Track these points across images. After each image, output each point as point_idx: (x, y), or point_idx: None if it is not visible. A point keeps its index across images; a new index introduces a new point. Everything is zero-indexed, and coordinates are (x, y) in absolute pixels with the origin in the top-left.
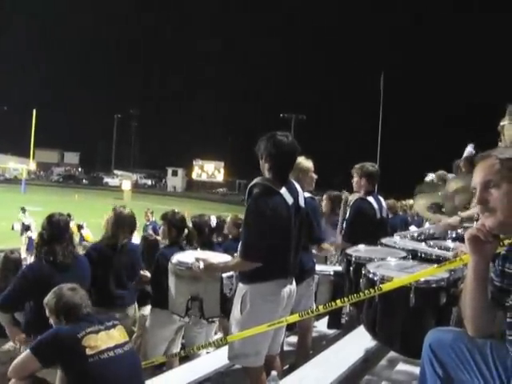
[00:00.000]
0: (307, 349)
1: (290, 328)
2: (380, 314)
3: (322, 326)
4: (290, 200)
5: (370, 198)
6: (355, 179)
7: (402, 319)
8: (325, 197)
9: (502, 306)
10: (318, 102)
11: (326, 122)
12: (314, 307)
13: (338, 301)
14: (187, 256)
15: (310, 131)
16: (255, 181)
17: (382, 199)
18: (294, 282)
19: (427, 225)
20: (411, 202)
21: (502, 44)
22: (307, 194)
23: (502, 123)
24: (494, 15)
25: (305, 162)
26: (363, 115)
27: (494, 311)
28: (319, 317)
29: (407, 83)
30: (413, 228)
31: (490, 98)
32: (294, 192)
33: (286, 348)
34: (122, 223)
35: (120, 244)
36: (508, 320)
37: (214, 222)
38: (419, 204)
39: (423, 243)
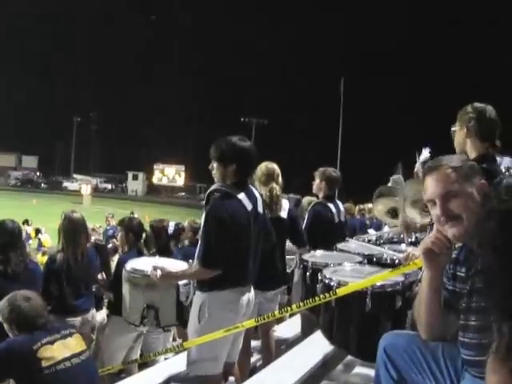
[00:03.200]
0: (270, 352)
1: (252, 332)
2: (336, 318)
3: (282, 330)
4: (248, 206)
5: (329, 203)
6: (316, 182)
7: (358, 323)
8: (289, 198)
9: (454, 310)
10: (280, 107)
11: (288, 127)
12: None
13: (294, 305)
14: (142, 263)
15: (272, 136)
16: (214, 187)
17: (340, 204)
18: (252, 290)
19: (386, 228)
20: (370, 205)
21: (462, 47)
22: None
23: (452, 129)
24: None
25: (274, 166)
26: (324, 120)
27: (447, 315)
28: (279, 321)
29: (367, 88)
30: (371, 231)
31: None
32: (252, 198)
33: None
34: (77, 229)
35: (78, 252)
36: (461, 322)
37: (171, 228)
38: (378, 209)
39: (379, 247)
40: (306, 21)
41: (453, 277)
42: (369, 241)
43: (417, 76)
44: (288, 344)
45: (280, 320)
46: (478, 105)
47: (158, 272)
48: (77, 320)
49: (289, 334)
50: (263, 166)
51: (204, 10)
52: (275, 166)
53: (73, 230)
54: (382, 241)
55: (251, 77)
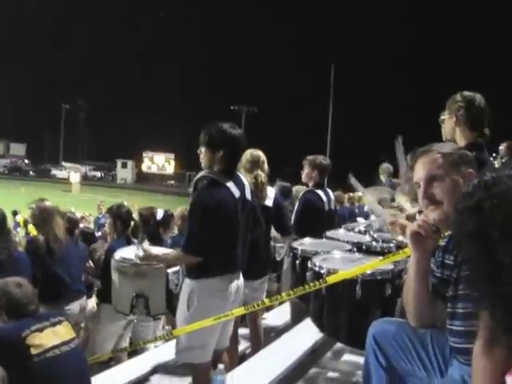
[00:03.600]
0: (258, 340)
1: (240, 320)
2: (326, 306)
3: (271, 317)
4: (236, 193)
5: (319, 191)
6: (306, 170)
7: (347, 311)
8: (275, 188)
9: (442, 297)
10: (270, 95)
11: (278, 115)
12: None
13: (284, 294)
14: (131, 252)
15: (262, 124)
16: (201, 174)
17: (330, 192)
18: (241, 277)
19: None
20: (359, 193)
21: (452, 36)
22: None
23: (442, 117)
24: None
25: (260, 153)
26: (314, 107)
27: (435, 302)
28: (269, 308)
29: (358, 75)
30: (360, 220)
31: (438, 88)
32: (240, 185)
33: (241, 340)
34: (46, 215)
35: (52, 236)
36: (448, 310)
37: (160, 215)
38: (368, 200)
39: (368, 236)
40: (298, 10)
41: (441, 264)
42: (358, 230)
43: (407, 64)
44: (277, 331)
45: (270, 308)
46: (467, 93)
47: (141, 252)
48: (75, 308)
49: (278, 322)
50: (248, 153)
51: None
52: (260, 153)
53: (41, 216)
54: (370, 229)
55: (240, 65)
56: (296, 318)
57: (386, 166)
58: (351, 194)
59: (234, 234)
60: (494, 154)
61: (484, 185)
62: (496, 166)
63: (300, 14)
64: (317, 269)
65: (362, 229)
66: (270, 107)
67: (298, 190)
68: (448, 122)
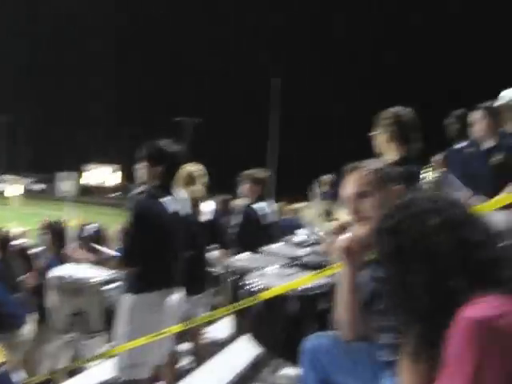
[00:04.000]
0: (200, 355)
1: (180, 335)
2: (262, 321)
3: (214, 331)
4: (174, 208)
5: (259, 204)
6: (245, 184)
7: (283, 326)
8: (217, 200)
9: (373, 310)
10: (215, 105)
11: (223, 125)
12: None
13: (220, 309)
14: (67, 269)
15: (207, 135)
16: (139, 188)
17: (270, 204)
18: (180, 291)
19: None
20: (302, 205)
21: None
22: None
23: (373, 133)
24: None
25: (196, 168)
26: (260, 118)
27: (367, 315)
28: (211, 322)
29: (302, 86)
30: (303, 231)
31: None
32: (178, 200)
33: (182, 355)
34: None
35: None
36: (380, 323)
37: (91, 229)
38: (310, 212)
39: (304, 249)
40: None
41: (372, 278)
42: (297, 243)
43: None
44: (219, 345)
45: (211, 321)
46: (397, 109)
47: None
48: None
49: (221, 335)
50: (185, 168)
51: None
52: (197, 168)
53: None
54: (310, 242)
55: (186, 75)
56: (239, 332)
57: (327, 177)
58: (294, 206)
59: (171, 249)
60: (426, 167)
61: (401, 206)
62: (429, 179)
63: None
64: (252, 285)
65: (302, 241)
66: (216, 118)
67: (239, 203)
68: (379, 138)
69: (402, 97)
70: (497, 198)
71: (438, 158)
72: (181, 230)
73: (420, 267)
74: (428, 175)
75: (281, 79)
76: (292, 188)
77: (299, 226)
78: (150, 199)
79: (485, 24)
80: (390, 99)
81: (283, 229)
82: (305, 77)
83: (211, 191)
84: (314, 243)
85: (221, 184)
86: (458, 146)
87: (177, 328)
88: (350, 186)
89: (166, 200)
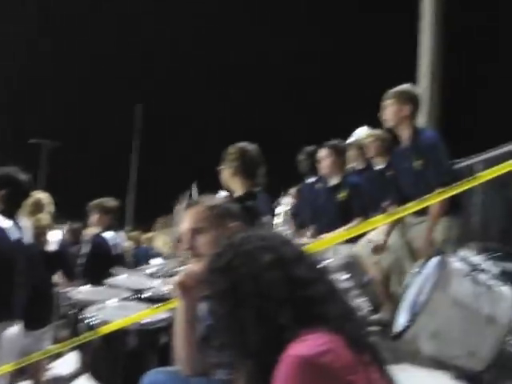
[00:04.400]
0: None
1: (20, 372)
2: (101, 357)
3: (58, 366)
4: (14, 236)
5: (108, 234)
6: (95, 215)
7: (122, 362)
8: (66, 229)
9: (211, 346)
10: (75, 129)
11: (82, 150)
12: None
13: (55, 346)
14: None
15: (65, 158)
16: None
17: (120, 234)
18: (19, 325)
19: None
20: (156, 233)
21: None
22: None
23: (219, 167)
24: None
25: (43, 196)
26: (119, 143)
27: (206, 350)
28: (54, 357)
29: (165, 113)
30: (157, 261)
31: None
32: (20, 228)
33: None
34: None
35: None
36: (216, 359)
37: None
38: (159, 240)
39: (150, 282)
40: (97, 47)
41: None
42: (149, 274)
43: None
44: (65, 380)
45: (60, 355)
46: (242, 144)
47: None
48: None
49: (66, 371)
50: (32, 196)
51: None
52: (43, 196)
53: None
54: (160, 273)
55: (42, 99)
56: (82, 368)
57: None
58: (149, 234)
59: (10, 280)
60: (277, 200)
61: (233, 245)
62: (279, 212)
63: (102, 50)
64: (91, 319)
65: (151, 272)
66: (75, 142)
67: (88, 232)
68: (225, 173)
69: (256, 132)
70: (332, 234)
71: (292, 191)
72: (21, 259)
73: (251, 304)
74: (281, 208)
75: (142, 105)
76: (151, 216)
77: (155, 256)
78: None
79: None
80: (244, 134)
81: (139, 258)
82: (166, 102)
83: (68, 219)
84: (164, 275)
85: (75, 212)
86: (308, 180)
87: (9, 367)
88: (186, 221)
89: (6, 227)
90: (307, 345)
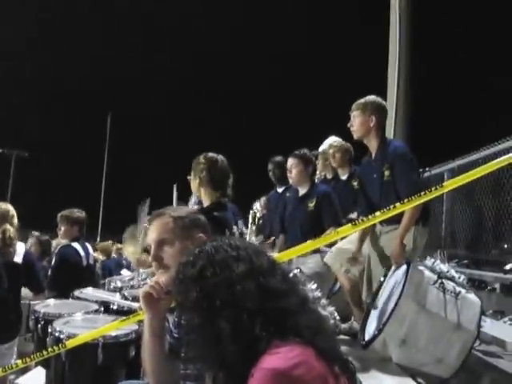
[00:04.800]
0: None
1: None
2: (67, 372)
3: (24, 382)
4: None
5: (76, 245)
6: (62, 225)
7: (90, 376)
8: (33, 241)
9: (179, 358)
10: (42, 139)
11: (51, 160)
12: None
13: (20, 361)
14: None
15: (33, 169)
16: None
17: (88, 245)
18: None
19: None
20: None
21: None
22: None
23: (188, 177)
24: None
25: (9, 207)
26: (90, 153)
27: (173, 363)
28: (21, 372)
29: (135, 123)
30: (126, 272)
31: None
32: None
33: None
34: None
35: None
36: (181, 371)
37: None
38: (128, 250)
39: (118, 294)
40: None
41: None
42: (119, 286)
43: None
44: None
45: (27, 369)
46: (210, 155)
47: None
48: None
49: None
50: None
51: None
52: (10, 207)
53: None
54: (126, 285)
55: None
56: (50, 381)
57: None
58: (119, 245)
59: None
60: (254, 208)
61: (204, 253)
62: (252, 220)
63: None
64: (57, 334)
65: (119, 285)
66: (42, 152)
67: (58, 243)
68: (193, 183)
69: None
70: (301, 244)
71: (263, 200)
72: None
73: (226, 315)
74: (252, 218)
75: (111, 113)
76: (122, 226)
77: (123, 266)
78: None
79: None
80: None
81: (110, 269)
82: (135, 110)
83: (36, 230)
84: (132, 286)
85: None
86: (278, 189)
87: None
88: (152, 232)
89: None
90: (280, 357)
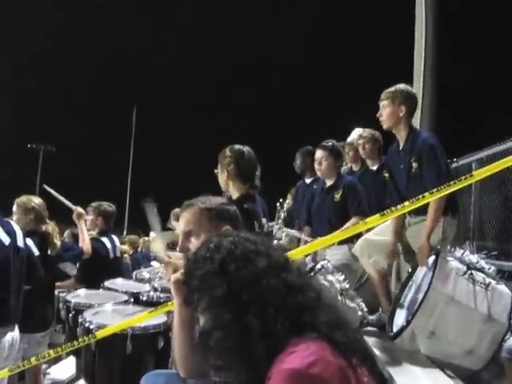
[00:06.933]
0: None
1: (18, 378)
2: (97, 363)
3: (56, 371)
4: (6, 241)
5: (104, 238)
6: (90, 217)
7: (119, 367)
8: (67, 233)
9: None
10: (69, 133)
11: (77, 154)
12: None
13: (52, 351)
14: None
15: (60, 163)
16: None
17: (115, 238)
18: (16, 330)
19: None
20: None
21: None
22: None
23: (215, 171)
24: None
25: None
26: (115, 147)
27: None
28: (53, 362)
29: (161, 115)
30: (155, 264)
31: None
32: (11, 232)
33: None
34: None
35: None
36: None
37: None
38: (156, 246)
39: (147, 285)
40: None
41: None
42: (148, 278)
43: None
44: None
45: (58, 359)
46: (236, 147)
47: None
48: None
49: (64, 376)
50: (24, 200)
51: None
52: (42, 203)
53: None
54: (155, 276)
55: (40, 102)
56: (81, 371)
57: (177, 211)
58: (146, 238)
59: (5, 284)
60: (280, 201)
61: (224, 248)
62: (281, 213)
63: (103, 51)
64: (87, 324)
65: (148, 276)
66: (69, 146)
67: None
68: (221, 176)
69: (253, 132)
70: (331, 235)
71: (292, 190)
72: (16, 263)
73: (255, 310)
74: (281, 209)
75: (137, 105)
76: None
77: (151, 259)
78: None
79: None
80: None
81: (137, 261)
82: (161, 105)
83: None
84: (161, 278)
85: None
86: (307, 180)
87: (6, 372)
88: (181, 222)
89: None
90: (296, 356)
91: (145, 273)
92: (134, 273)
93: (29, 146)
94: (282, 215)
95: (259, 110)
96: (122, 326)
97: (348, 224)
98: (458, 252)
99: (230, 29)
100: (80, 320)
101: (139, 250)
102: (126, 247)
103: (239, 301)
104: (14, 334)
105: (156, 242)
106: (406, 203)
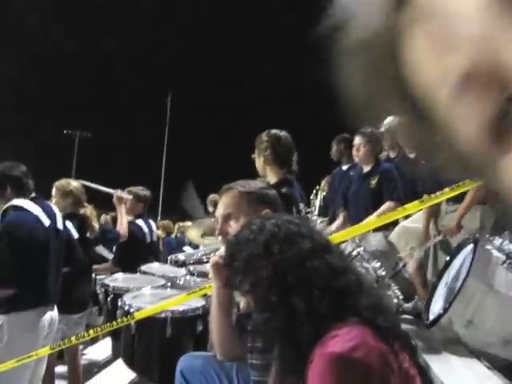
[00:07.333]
0: (77, 378)
1: (57, 357)
2: (137, 345)
3: (93, 352)
4: (46, 222)
5: (140, 222)
6: (128, 201)
7: (158, 349)
8: (103, 217)
9: (246, 330)
10: (104, 120)
11: (113, 140)
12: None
13: (91, 331)
14: None
15: (96, 149)
16: (10, 203)
17: (152, 222)
18: (55, 310)
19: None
20: (188, 223)
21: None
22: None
23: (253, 156)
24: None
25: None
26: (150, 134)
27: (241, 335)
28: (89, 343)
29: (195, 102)
30: (188, 249)
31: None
32: (51, 214)
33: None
34: None
35: None
36: (248, 344)
37: None
38: (192, 233)
39: (183, 269)
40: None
41: (253, 299)
42: (182, 262)
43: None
44: (100, 366)
45: (95, 341)
46: (273, 132)
47: None
48: None
49: (99, 357)
50: (63, 183)
51: None
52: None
53: None
54: (191, 261)
55: (74, 89)
56: (115, 354)
57: (212, 196)
58: (180, 224)
59: (45, 265)
60: (317, 187)
61: (267, 230)
62: (316, 200)
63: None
64: (126, 307)
65: (186, 260)
66: (104, 132)
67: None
68: (258, 161)
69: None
70: (364, 221)
71: (328, 178)
72: (55, 245)
73: (301, 292)
74: (316, 197)
75: (171, 93)
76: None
77: (185, 244)
78: (21, 214)
79: None
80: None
81: (170, 246)
82: (197, 92)
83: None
84: (196, 262)
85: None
86: (343, 167)
87: (43, 351)
88: (220, 206)
89: (37, 214)
90: (338, 340)
91: (180, 256)
92: (170, 257)
93: (65, 131)
94: (317, 204)
95: (293, 98)
96: (161, 308)
97: (382, 209)
98: (497, 241)
99: (230, 29)
100: (120, 303)
101: (173, 235)
102: (159, 232)
103: (285, 282)
104: (53, 314)
105: (193, 228)
106: (446, 189)
